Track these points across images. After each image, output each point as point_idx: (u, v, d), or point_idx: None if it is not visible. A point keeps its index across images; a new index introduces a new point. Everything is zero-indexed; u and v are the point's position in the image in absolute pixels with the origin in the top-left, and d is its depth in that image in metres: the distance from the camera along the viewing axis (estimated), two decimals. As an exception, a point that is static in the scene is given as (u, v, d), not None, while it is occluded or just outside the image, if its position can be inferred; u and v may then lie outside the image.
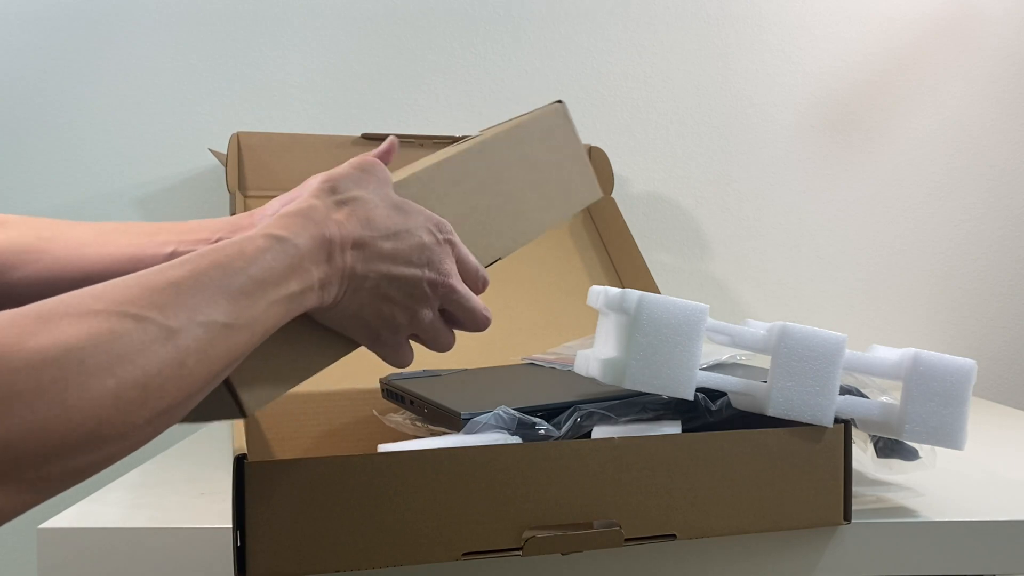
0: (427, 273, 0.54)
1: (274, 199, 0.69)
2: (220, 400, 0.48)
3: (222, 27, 1.33)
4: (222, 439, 1.05)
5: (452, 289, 0.56)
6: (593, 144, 1.25)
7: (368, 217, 0.52)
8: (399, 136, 1.18)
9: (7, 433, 0.35)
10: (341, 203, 0.52)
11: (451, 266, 0.56)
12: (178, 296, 0.42)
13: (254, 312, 0.45)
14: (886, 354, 0.73)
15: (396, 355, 0.57)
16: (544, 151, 0.65)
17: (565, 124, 0.65)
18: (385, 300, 0.53)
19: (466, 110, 1.38)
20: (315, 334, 0.54)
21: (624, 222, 1.16)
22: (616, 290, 0.73)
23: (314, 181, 0.56)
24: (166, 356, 0.40)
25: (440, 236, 0.56)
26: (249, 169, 1.13)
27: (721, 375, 0.70)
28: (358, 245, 0.51)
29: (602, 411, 0.70)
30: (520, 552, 0.63)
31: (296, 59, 1.36)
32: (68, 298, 0.40)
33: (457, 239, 0.57)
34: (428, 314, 0.56)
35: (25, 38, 1.30)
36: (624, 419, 0.71)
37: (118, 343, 0.39)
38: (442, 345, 0.58)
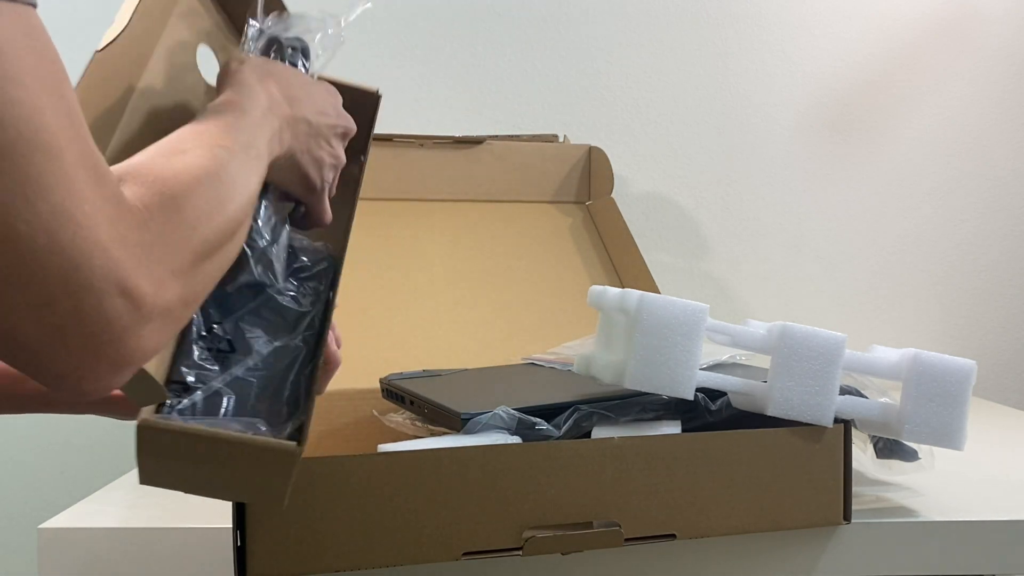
0: (340, 120, 0.63)
1: None
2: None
3: (222, 27, 1.33)
4: (222, 439, 1.05)
5: (348, 132, 0.64)
6: (593, 144, 1.25)
7: (289, 81, 0.59)
8: (399, 136, 1.18)
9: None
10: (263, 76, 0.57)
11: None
12: (235, 134, 0.50)
13: (261, 147, 0.53)
14: (886, 354, 0.73)
15: (322, 204, 0.62)
16: None
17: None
18: (315, 138, 0.60)
19: (466, 110, 1.38)
20: None
21: (624, 222, 1.16)
22: (616, 290, 0.73)
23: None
24: (251, 176, 0.50)
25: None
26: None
27: (721, 375, 0.70)
28: (290, 100, 0.57)
29: (602, 411, 0.70)
30: (520, 552, 0.63)
31: (296, 59, 1.36)
32: (167, 145, 0.47)
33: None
34: (341, 150, 0.63)
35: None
36: (624, 419, 0.71)
37: (230, 167, 0.47)
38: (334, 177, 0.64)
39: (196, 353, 0.54)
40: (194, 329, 0.54)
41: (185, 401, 0.52)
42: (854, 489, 0.72)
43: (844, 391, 0.72)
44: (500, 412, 0.68)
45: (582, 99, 1.39)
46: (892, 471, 0.80)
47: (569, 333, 1.01)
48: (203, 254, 0.44)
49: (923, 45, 1.41)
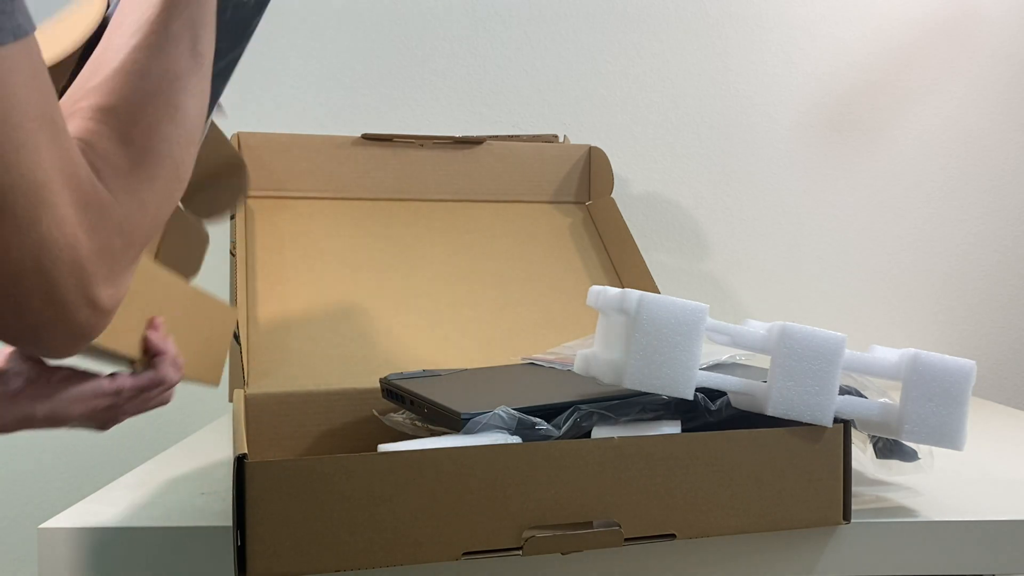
0: None
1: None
2: None
3: (222, 27, 1.33)
4: (222, 439, 1.05)
5: None
6: (593, 144, 1.25)
7: None
8: (399, 136, 1.18)
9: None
10: None
11: None
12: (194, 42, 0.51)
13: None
14: (886, 354, 0.73)
15: None
16: None
17: None
18: None
19: (466, 110, 1.38)
20: None
21: (624, 222, 1.16)
22: (616, 290, 0.73)
23: None
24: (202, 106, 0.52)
25: None
26: (250, 169, 1.13)
27: (721, 375, 0.70)
28: None
29: (602, 411, 0.70)
30: (520, 552, 0.63)
31: (296, 59, 1.36)
32: (129, 66, 0.47)
33: None
34: None
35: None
36: (624, 419, 0.71)
37: (188, 110, 0.49)
38: None
39: None
40: None
41: None
42: (854, 489, 0.72)
43: (844, 391, 0.72)
44: (500, 412, 0.68)
45: (582, 99, 1.39)
46: (892, 471, 0.80)
47: (569, 333, 1.01)
48: (151, 235, 0.48)
49: (923, 45, 1.41)
